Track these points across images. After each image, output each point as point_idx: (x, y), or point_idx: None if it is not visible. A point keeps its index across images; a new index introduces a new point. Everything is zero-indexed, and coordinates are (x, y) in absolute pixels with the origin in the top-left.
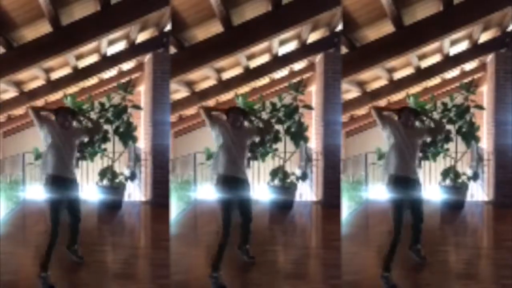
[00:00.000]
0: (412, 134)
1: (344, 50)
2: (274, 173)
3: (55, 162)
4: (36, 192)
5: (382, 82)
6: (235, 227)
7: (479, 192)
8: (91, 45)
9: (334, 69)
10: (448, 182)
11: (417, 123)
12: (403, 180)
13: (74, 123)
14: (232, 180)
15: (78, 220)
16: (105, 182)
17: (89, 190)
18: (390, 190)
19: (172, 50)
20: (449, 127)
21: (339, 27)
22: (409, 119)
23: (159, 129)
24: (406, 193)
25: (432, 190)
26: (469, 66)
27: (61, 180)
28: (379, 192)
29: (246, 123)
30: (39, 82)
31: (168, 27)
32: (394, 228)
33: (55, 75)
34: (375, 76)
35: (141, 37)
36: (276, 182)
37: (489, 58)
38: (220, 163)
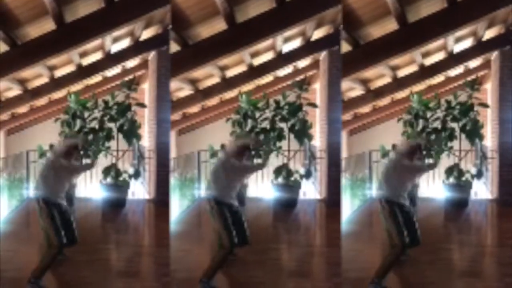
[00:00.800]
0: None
1: (347, 47)
2: (277, 171)
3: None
4: None
5: (386, 80)
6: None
7: (483, 190)
8: (95, 43)
9: (339, 67)
10: (452, 180)
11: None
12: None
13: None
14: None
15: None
16: (109, 180)
17: (93, 188)
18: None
19: (175, 47)
20: (453, 125)
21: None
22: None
23: (163, 127)
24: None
25: (436, 188)
26: (473, 63)
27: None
28: None
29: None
30: (43, 80)
31: (170, 25)
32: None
33: (59, 73)
34: (379, 74)
35: (146, 35)
36: (280, 180)
37: (494, 55)
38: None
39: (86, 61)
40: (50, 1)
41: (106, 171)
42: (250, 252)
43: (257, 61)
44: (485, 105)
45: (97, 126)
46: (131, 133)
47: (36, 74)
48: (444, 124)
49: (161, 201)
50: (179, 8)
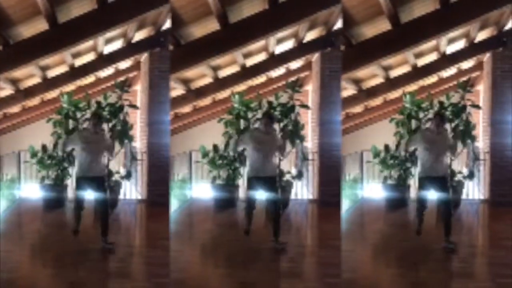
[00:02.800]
0: (440, 139)
1: (340, 47)
2: None
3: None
4: (32, 190)
5: (379, 80)
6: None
7: (475, 191)
8: (88, 44)
9: (331, 68)
10: None
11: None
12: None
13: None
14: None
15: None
16: None
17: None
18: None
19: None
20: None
21: (337, 25)
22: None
23: (156, 128)
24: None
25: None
26: (466, 64)
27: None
28: (374, 190)
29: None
30: (35, 80)
31: (167, 26)
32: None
33: (51, 73)
34: (371, 74)
35: (138, 36)
36: None
37: (486, 57)
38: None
39: (79, 61)
40: (43, 1)
41: None
42: (241, 253)
43: (250, 61)
44: (477, 107)
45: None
46: (123, 134)
47: (29, 74)
48: None
49: (152, 202)
50: (172, 8)
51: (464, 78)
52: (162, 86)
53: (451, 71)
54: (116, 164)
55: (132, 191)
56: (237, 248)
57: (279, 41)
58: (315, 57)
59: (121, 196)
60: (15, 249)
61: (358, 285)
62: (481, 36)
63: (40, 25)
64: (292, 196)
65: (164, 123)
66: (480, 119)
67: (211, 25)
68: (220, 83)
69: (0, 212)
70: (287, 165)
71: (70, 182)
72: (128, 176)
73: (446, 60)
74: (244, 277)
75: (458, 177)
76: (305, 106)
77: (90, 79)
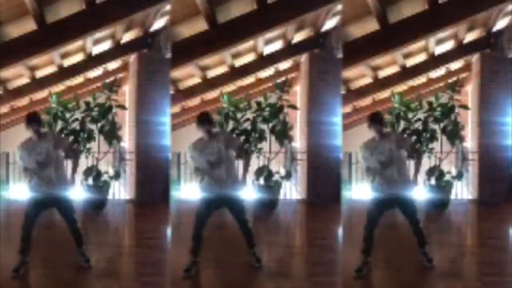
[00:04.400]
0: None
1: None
2: (259, 172)
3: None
4: (21, 191)
5: (367, 80)
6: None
7: (463, 191)
8: (76, 44)
9: (319, 69)
10: (432, 181)
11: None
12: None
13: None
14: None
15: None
16: (89, 181)
17: (74, 189)
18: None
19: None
20: (434, 126)
21: (325, 27)
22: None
23: (144, 129)
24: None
25: (416, 189)
26: (454, 65)
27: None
28: (362, 191)
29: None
30: (24, 80)
31: (159, 26)
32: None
33: (40, 74)
34: (360, 74)
35: (127, 37)
36: (261, 181)
37: (474, 58)
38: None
39: (68, 62)
40: (31, 1)
41: (87, 172)
42: (231, 253)
43: (239, 62)
44: (465, 107)
45: (78, 127)
46: (112, 134)
47: (17, 74)
48: (426, 125)
49: (141, 202)
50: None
51: (453, 79)
52: (150, 86)
53: (440, 71)
54: (105, 164)
55: (120, 191)
56: (226, 248)
57: (268, 41)
58: (304, 58)
59: (109, 196)
60: (3, 250)
61: (347, 286)
62: (470, 37)
63: (28, 25)
64: (281, 196)
65: (153, 123)
66: (468, 120)
67: (199, 25)
68: (208, 84)
69: None
70: (276, 165)
71: None
72: (116, 176)
73: (434, 61)
74: (232, 278)
75: (447, 177)
76: (293, 107)
77: (79, 79)
